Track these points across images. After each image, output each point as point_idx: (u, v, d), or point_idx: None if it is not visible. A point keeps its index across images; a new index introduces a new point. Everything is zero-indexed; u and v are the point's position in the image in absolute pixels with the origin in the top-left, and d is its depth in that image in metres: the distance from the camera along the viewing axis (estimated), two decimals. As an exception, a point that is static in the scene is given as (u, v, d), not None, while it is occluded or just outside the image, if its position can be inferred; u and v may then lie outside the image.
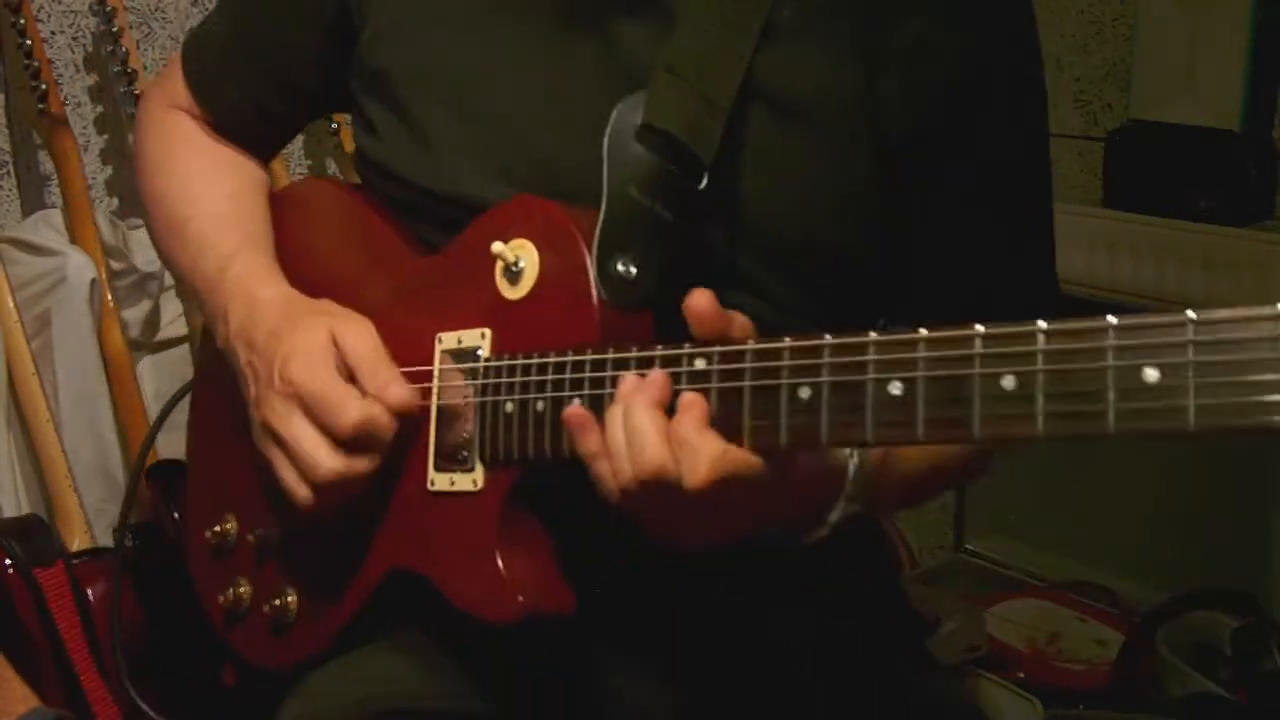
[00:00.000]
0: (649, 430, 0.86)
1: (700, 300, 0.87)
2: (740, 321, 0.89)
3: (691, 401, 0.87)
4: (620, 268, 0.97)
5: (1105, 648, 2.13)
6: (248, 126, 1.28)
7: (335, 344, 1.05)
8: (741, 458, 0.85)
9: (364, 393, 1.03)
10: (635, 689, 1.11)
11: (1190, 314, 0.68)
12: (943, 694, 1.21)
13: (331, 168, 2.15)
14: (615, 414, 0.88)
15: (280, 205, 1.28)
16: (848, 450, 0.93)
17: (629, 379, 0.89)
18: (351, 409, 1.01)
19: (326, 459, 1.02)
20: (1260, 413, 0.66)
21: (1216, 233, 2.02)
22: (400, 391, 1.02)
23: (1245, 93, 2.04)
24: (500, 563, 0.99)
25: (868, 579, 1.24)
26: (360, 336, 1.05)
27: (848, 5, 1.02)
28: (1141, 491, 2.26)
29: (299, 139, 2.13)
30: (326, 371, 1.03)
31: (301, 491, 1.04)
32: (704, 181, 0.99)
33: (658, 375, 0.88)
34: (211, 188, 1.24)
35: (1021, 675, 2.06)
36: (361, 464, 1.03)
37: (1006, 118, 1.07)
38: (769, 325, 0.89)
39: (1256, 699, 1.89)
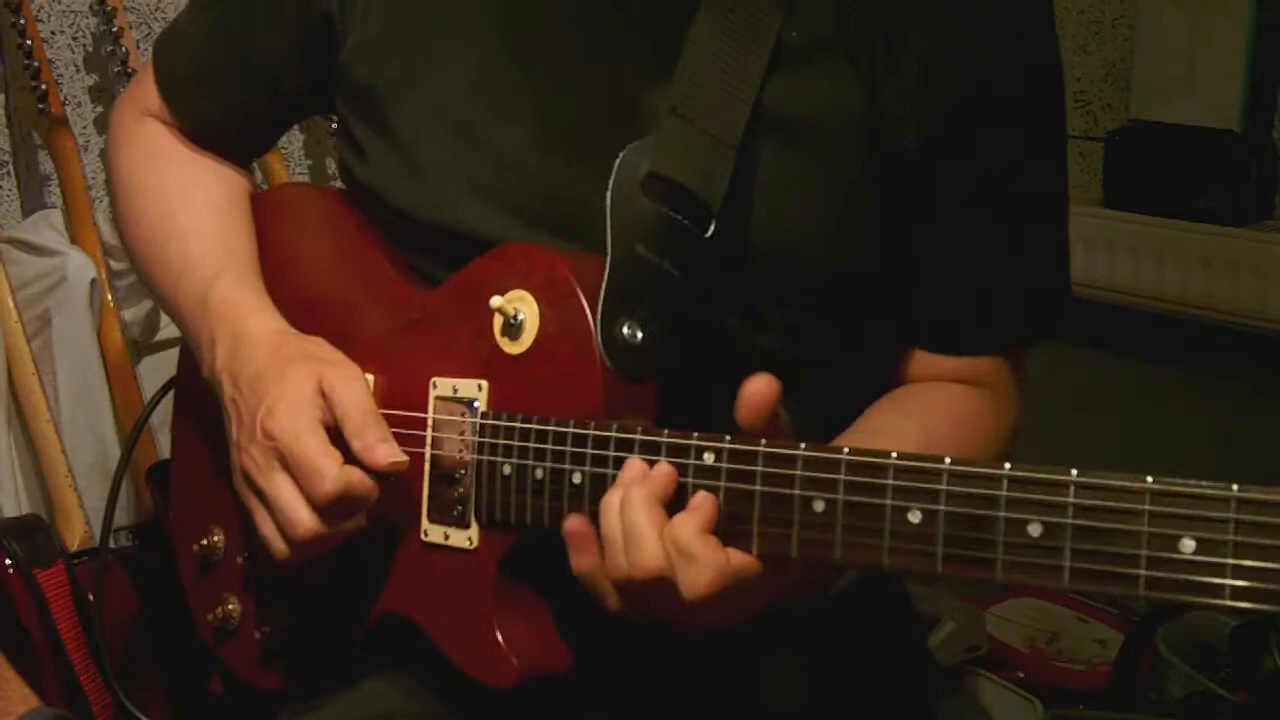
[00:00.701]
0: (646, 531, 0.83)
1: (761, 386, 0.83)
2: (783, 426, 0.85)
3: (700, 504, 0.84)
4: (626, 331, 0.93)
5: (1105, 648, 2.13)
6: (224, 133, 1.22)
7: (323, 394, 1.00)
8: (745, 565, 0.83)
9: (350, 448, 0.98)
10: (631, 701, 1.10)
11: (1235, 489, 0.66)
12: (943, 694, 1.21)
13: (331, 167, 2.15)
14: (613, 502, 0.86)
15: (265, 211, 1.22)
16: None
17: (635, 467, 0.86)
18: (330, 478, 0.96)
19: (305, 518, 0.98)
20: None
21: (1216, 233, 2.02)
22: (387, 452, 0.97)
23: (1245, 93, 2.04)
24: (497, 630, 0.97)
25: (868, 579, 1.24)
26: (349, 390, 1.00)
27: (854, 25, 0.99)
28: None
29: (299, 139, 2.12)
30: (309, 430, 0.98)
31: (278, 545, 1.01)
32: (711, 229, 0.96)
33: (663, 469, 0.85)
34: (189, 202, 1.18)
35: (1021, 675, 2.06)
36: (341, 525, 0.99)
37: (1015, 131, 1.03)
38: (778, 355, 0.87)
39: (1256, 699, 1.89)
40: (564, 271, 0.95)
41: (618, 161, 0.95)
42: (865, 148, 0.99)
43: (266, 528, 1.01)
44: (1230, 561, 0.66)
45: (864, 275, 1.03)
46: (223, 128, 1.22)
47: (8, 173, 1.89)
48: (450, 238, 1.04)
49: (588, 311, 0.93)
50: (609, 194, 0.94)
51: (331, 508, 0.97)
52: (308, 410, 0.99)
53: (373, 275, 1.11)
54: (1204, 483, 0.67)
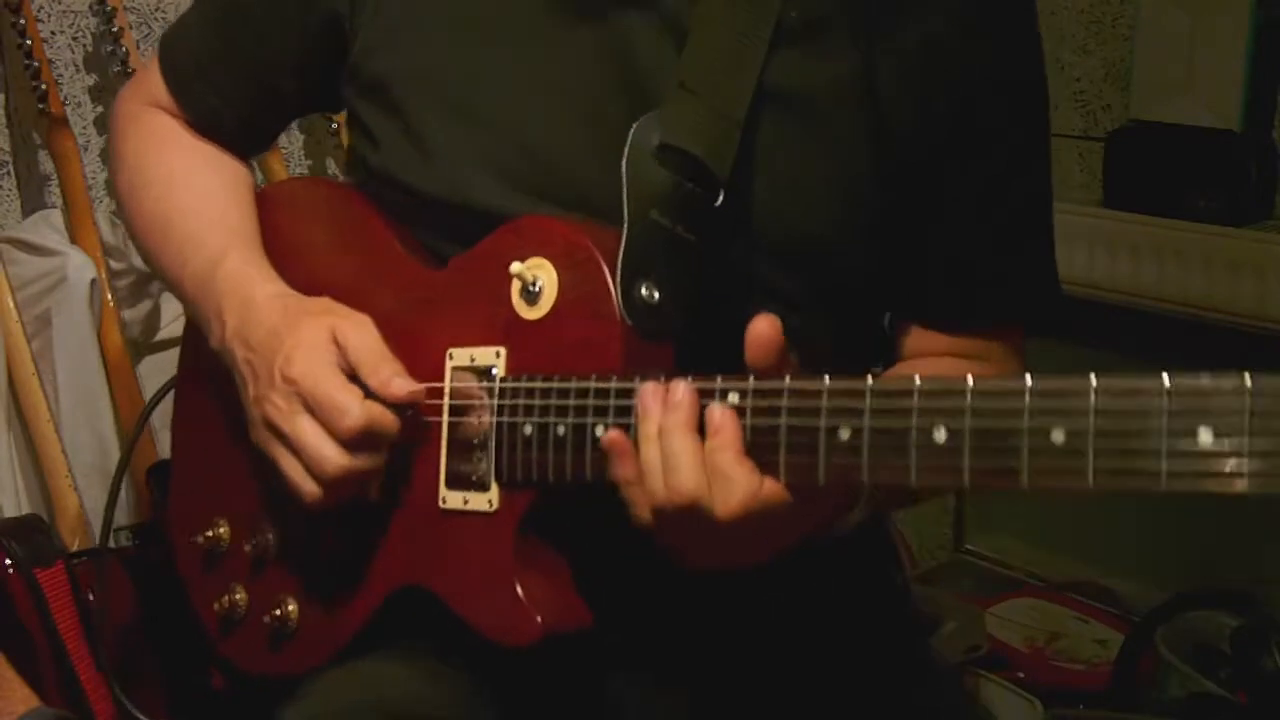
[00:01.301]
0: (686, 457, 0.85)
1: (765, 326, 0.85)
2: (794, 363, 0.87)
3: (723, 422, 0.85)
4: (644, 292, 0.96)
5: (1105, 648, 2.14)
6: (228, 127, 1.25)
7: (336, 342, 1.04)
8: (775, 493, 0.85)
9: (367, 389, 1.02)
10: (641, 697, 1.11)
11: (1248, 381, 0.68)
12: (945, 693, 1.21)
13: (331, 167, 2.15)
14: (650, 432, 0.87)
15: (271, 205, 1.24)
16: None
17: (655, 391, 0.88)
18: (354, 412, 1.00)
19: (333, 455, 1.01)
20: None
21: (1216, 233, 2.02)
22: (404, 385, 1.02)
23: (1245, 93, 2.04)
24: (519, 587, 0.98)
25: (868, 579, 1.24)
26: (361, 334, 1.04)
27: (853, 6, 1.02)
28: (1141, 491, 2.26)
29: (299, 139, 2.12)
30: (328, 371, 1.02)
31: (308, 487, 1.03)
32: (720, 198, 0.99)
33: (686, 394, 0.87)
34: (193, 185, 1.22)
35: (1021, 675, 2.06)
36: (368, 460, 1.02)
37: (1009, 117, 1.07)
38: (785, 326, 0.88)
39: (1256, 699, 1.89)
40: (583, 238, 0.97)
41: (632, 131, 0.98)
42: (864, 126, 1.03)
43: (294, 471, 1.04)
44: (1246, 449, 0.68)
45: (865, 250, 1.06)
46: (227, 121, 1.25)
47: (8, 173, 1.89)
48: (463, 214, 1.06)
49: (607, 273, 0.95)
50: (624, 162, 0.97)
51: (356, 442, 1.01)
52: (324, 355, 1.03)
53: (384, 257, 1.12)
54: (1218, 377, 0.69)
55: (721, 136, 0.98)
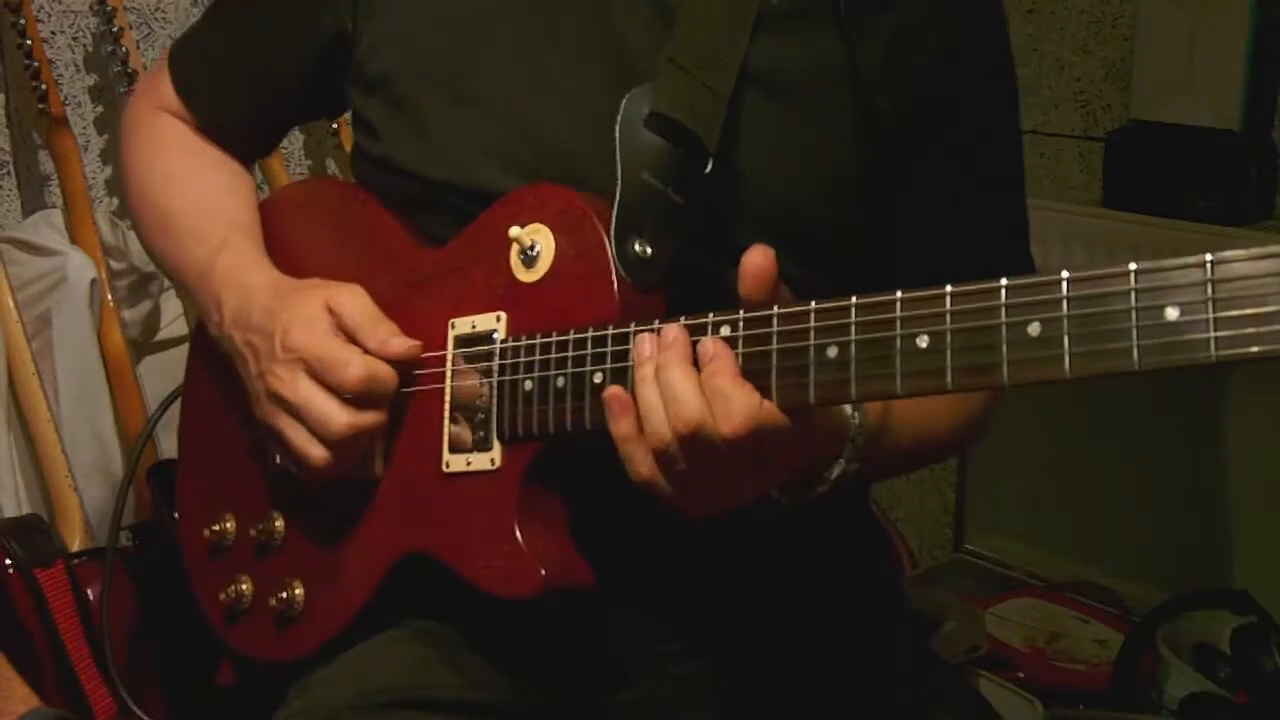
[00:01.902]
0: (686, 386, 0.87)
1: (758, 257, 0.88)
2: (786, 294, 0.90)
3: (716, 350, 0.88)
4: (637, 248, 0.99)
5: (1105, 648, 2.14)
6: (236, 131, 1.30)
7: (330, 310, 1.07)
8: (772, 413, 0.87)
9: (365, 350, 1.05)
10: (639, 683, 1.12)
11: (1209, 256, 0.72)
12: (946, 691, 1.21)
13: (331, 168, 2.15)
14: (646, 374, 0.90)
15: (274, 210, 1.28)
16: (850, 410, 0.95)
17: (648, 340, 0.91)
18: (355, 364, 1.04)
19: (338, 414, 1.05)
20: (1274, 341, 0.70)
21: (1216, 233, 2.02)
22: (401, 342, 1.06)
23: (1245, 93, 2.04)
24: (520, 536, 1.00)
25: (868, 579, 1.24)
26: (354, 300, 1.08)
27: None
28: (1141, 491, 2.26)
29: (299, 139, 2.13)
30: (326, 334, 1.06)
31: (316, 451, 1.06)
32: (709, 165, 1.02)
33: (678, 333, 0.89)
34: (198, 182, 1.27)
35: (1021, 675, 2.06)
36: (371, 417, 1.06)
37: (984, 96, 1.12)
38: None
39: (1256, 699, 1.89)
40: (578, 201, 1.01)
41: (624, 102, 1.02)
42: (846, 106, 1.07)
43: (300, 438, 1.07)
44: (1211, 316, 0.71)
45: (849, 228, 1.09)
46: (234, 124, 1.29)
47: (8, 173, 1.89)
48: (462, 195, 1.09)
49: (602, 231, 0.99)
50: (617, 127, 1.01)
51: (360, 397, 1.05)
52: (321, 322, 1.07)
53: (385, 243, 1.16)
54: (1180, 258, 0.73)
55: (709, 109, 1.02)
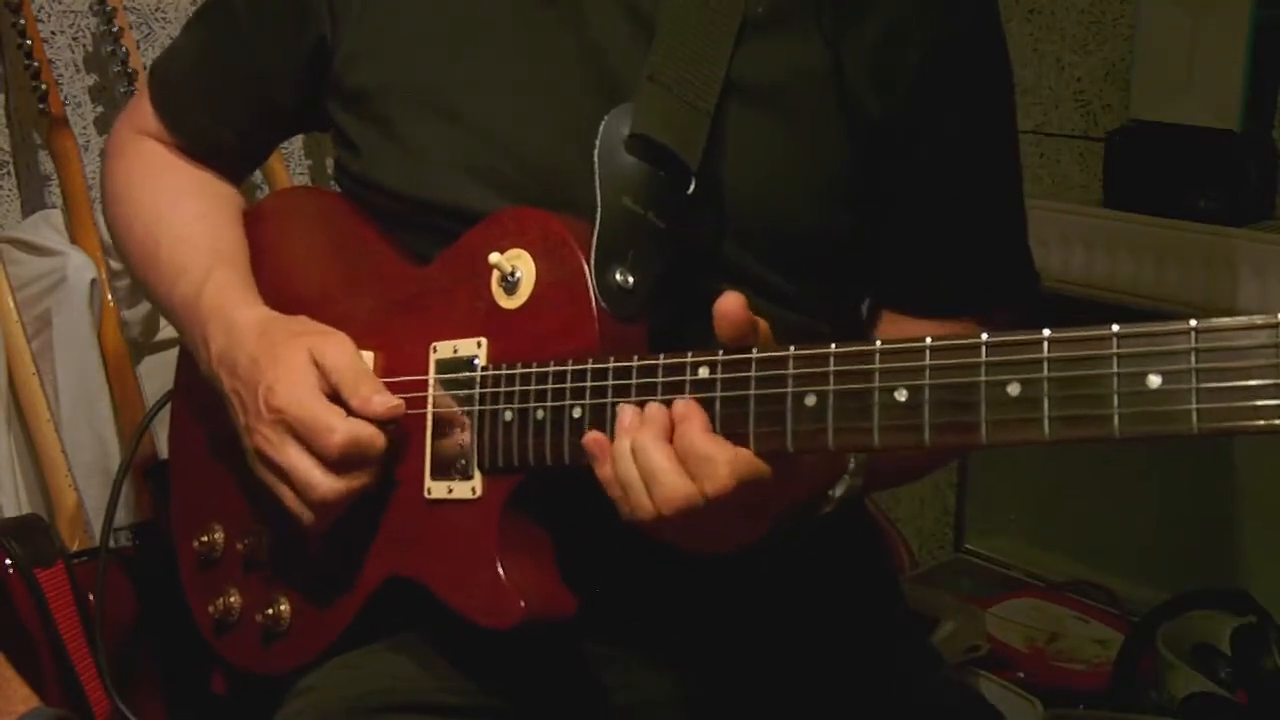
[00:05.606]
0: (665, 466, 0.86)
1: (731, 303, 0.86)
2: (763, 328, 0.89)
3: (685, 411, 0.87)
4: (618, 277, 0.98)
5: (1105, 648, 2.13)
6: (219, 150, 1.27)
7: (315, 364, 1.05)
8: (751, 460, 0.86)
9: (349, 408, 1.04)
10: (634, 686, 1.12)
11: (1193, 322, 0.70)
12: (946, 692, 1.21)
13: (330, 167, 2.14)
14: (624, 449, 0.88)
15: (259, 220, 1.26)
16: None
17: (630, 412, 0.89)
18: (339, 431, 1.02)
19: (322, 481, 1.03)
20: (1257, 416, 0.68)
21: (1216, 233, 2.02)
22: (383, 401, 1.04)
23: (1245, 93, 2.04)
24: (501, 569, 0.99)
25: (866, 580, 1.24)
26: (338, 353, 1.06)
27: None
28: (1141, 491, 2.26)
29: (299, 139, 2.12)
30: (310, 395, 1.04)
31: (305, 515, 1.06)
32: (692, 186, 1.01)
33: (656, 409, 0.88)
34: (179, 209, 1.24)
35: (1021, 675, 2.06)
36: (357, 480, 1.04)
37: (974, 100, 1.10)
38: (758, 313, 0.90)
39: (1256, 699, 1.89)
40: (558, 226, 1.00)
41: (603, 123, 1.00)
42: (832, 114, 1.05)
43: (289, 499, 1.06)
44: (1195, 388, 0.70)
45: (838, 237, 1.08)
46: (218, 143, 1.27)
47: (8, 173, 1.89)
48: (444, 214, 1.08)
49: (582, 260, 0.98)
50: (596, 151, 1.00)
51: (343, 461, 1.03)
52: (305, 380, 1.05)
53: (368, 259, 1.15)
54: (1165, 322, 0.72)
55: (691, 126, 1.00)
